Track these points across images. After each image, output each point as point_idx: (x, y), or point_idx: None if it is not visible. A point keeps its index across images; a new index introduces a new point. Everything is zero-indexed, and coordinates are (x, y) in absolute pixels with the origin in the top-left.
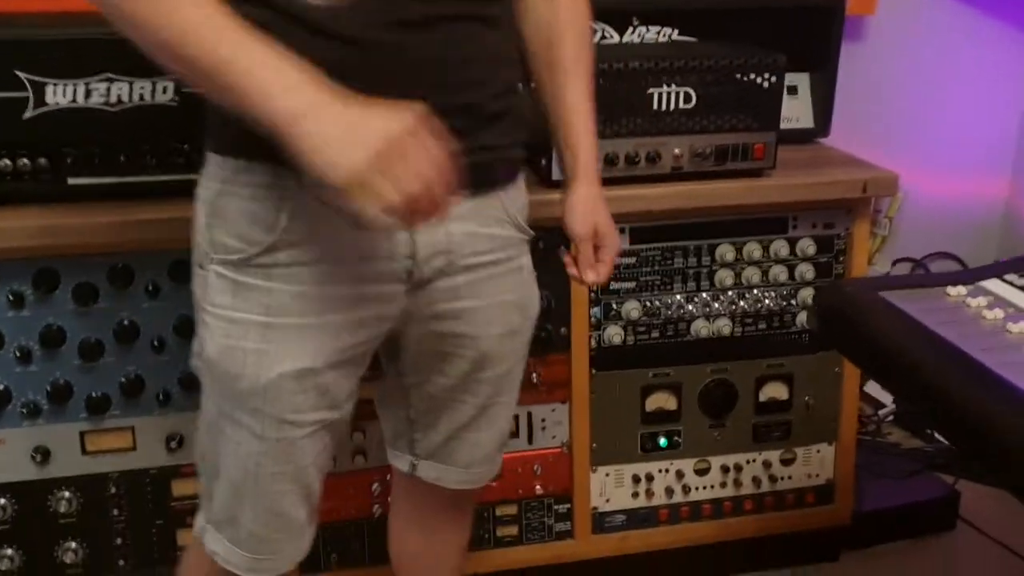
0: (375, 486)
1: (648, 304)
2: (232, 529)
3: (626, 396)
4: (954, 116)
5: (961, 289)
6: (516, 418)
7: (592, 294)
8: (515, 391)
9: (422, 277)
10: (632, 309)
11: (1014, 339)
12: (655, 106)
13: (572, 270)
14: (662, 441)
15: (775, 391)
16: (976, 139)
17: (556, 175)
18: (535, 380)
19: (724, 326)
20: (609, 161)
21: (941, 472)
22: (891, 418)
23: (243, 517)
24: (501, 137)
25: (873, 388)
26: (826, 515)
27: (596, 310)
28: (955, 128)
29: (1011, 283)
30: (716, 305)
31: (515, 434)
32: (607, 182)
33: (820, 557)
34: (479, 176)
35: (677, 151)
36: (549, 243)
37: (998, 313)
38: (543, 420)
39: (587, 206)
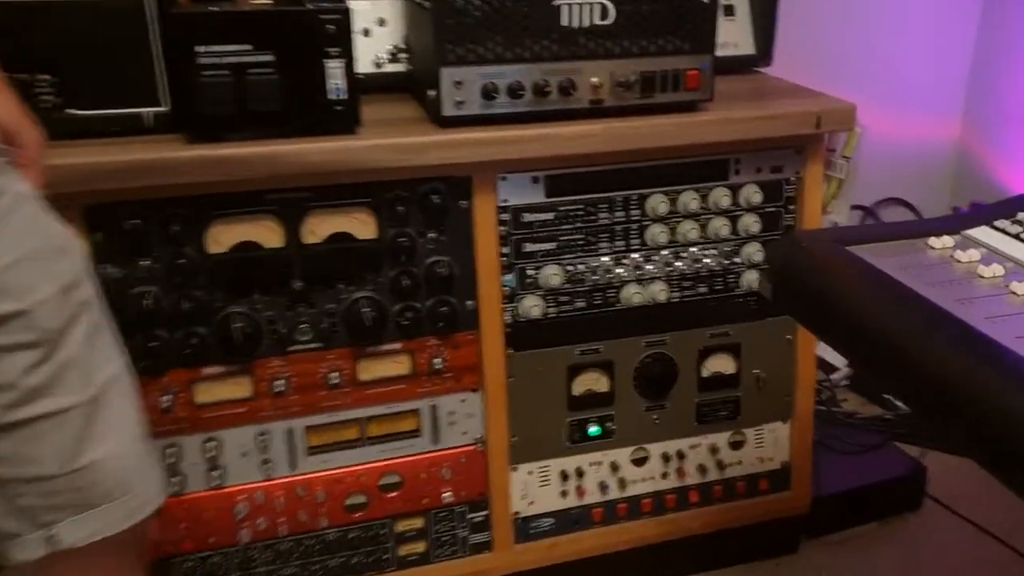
0: (239, 507)
1: (571, 268)
2: None
3: (549, 379)
4: (903, 49)
5: (946, 240)
6: (416, 413)
7: (504, 259)
8: (115, 360)
9: None
10: (552, 275)
11: (1021, 303)
12: (565, 22)
13: None
14: (593, 429)
15: (720, 364)
16: (926, 75)
17: (448, 110)
18: (439, 366)
19: (659, 291)
20: (512, 93)
21: (904, 442)
22: (846, 383)
23: None
24: None
25: (825, 350)
26: (782, 503)
27: (509, 278)
28: (904, 63)
29: (1004, 231)
30: (649, 267)
31: (417, 432)
32: (510, 119)
33: (777, 550)
34: None
35: (595, 80)
36: (447, 194)
37: (997, 270)
38: (451, 413)
39: None
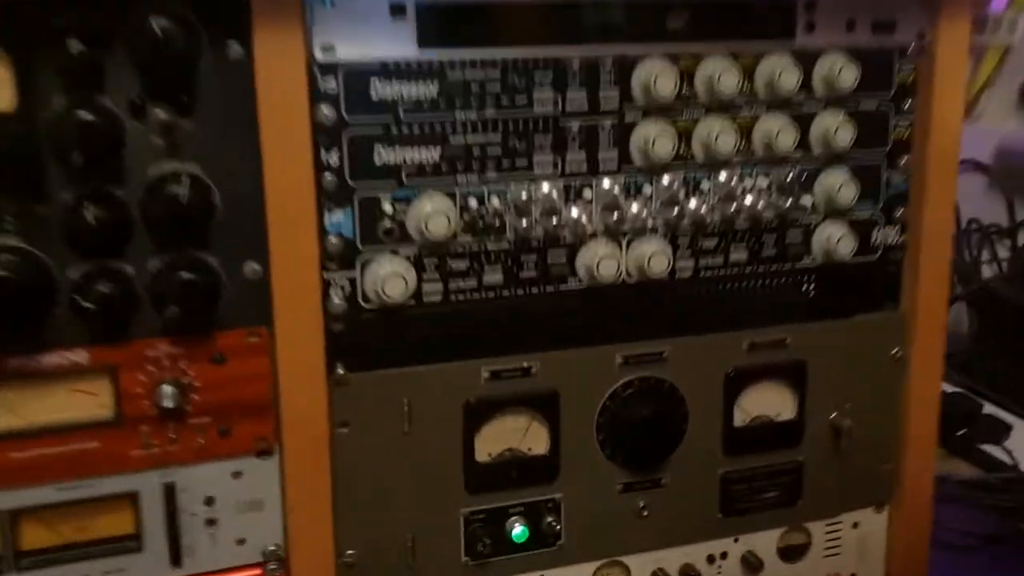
0: None
1: (473, 204)
2: None
3: (425, 427)
4: None
5: None
6: (132, 501)
7: (329, 176)
8: None
9: None
10: (432, 215)
11: None
12: None
13: None
14: (517, 531)
15: (767, 401)
16: None
17: None
18: (175, 402)
19: (655, 256)
20: None
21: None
22: None
23: None
24: None
25: None
26: None
27: (340, 217)
28: None
29: None
30: (634, 208)
31: (135, 540)
32: None
33: None
34: None
35: None
36: (195, 30)
37: None
38: (209, 502)
39: None
